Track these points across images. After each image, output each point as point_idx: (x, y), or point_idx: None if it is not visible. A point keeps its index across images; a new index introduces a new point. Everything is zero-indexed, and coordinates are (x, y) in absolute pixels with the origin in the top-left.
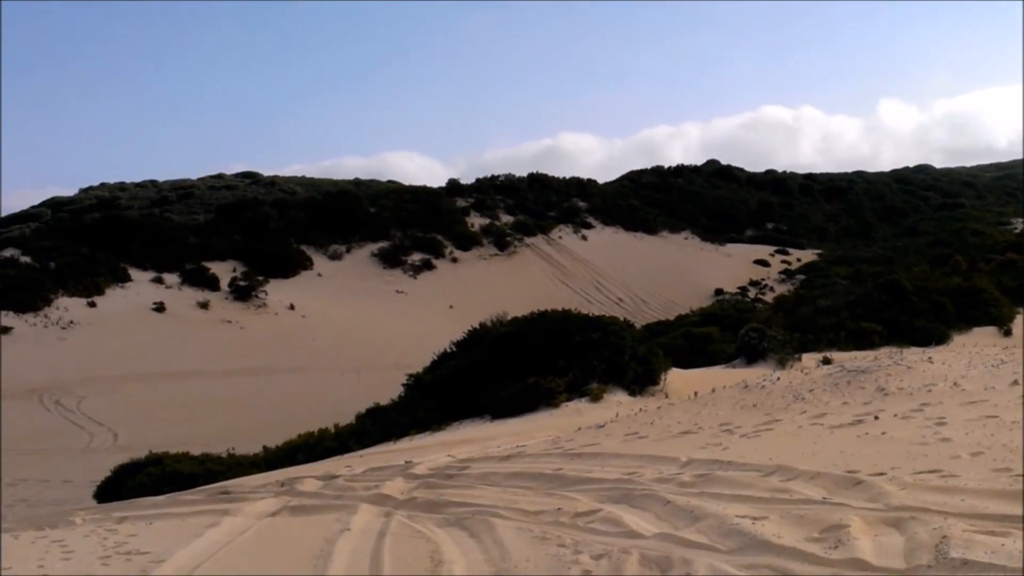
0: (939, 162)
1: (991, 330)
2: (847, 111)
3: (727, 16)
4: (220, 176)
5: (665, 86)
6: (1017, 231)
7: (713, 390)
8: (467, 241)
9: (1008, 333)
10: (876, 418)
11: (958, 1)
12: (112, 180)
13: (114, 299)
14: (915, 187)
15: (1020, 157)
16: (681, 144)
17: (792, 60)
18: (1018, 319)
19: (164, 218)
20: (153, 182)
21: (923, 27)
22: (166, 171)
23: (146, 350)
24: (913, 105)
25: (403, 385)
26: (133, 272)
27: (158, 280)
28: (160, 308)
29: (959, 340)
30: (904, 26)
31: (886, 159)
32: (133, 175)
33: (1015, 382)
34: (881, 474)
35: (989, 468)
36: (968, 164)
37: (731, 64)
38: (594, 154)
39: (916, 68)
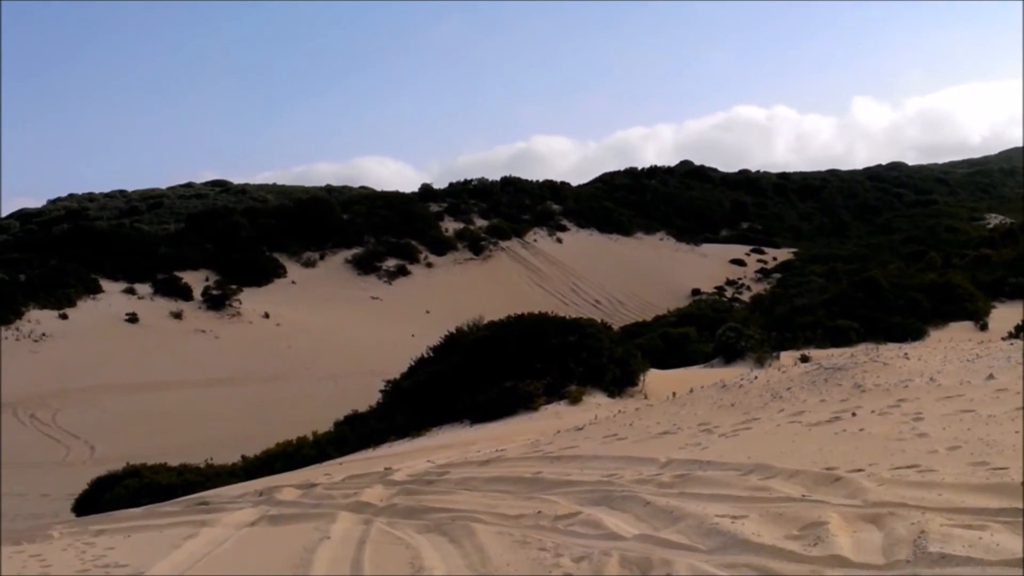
0: (912, 159)
1: (967, 325)
2: (821, 110)
3: (700, 16)
4: (190, 185)
5: (639, 87)
6: (990, 226)
7: (691, 390)
8: (442, 246)
9: (984, 327)
10: (853, 415)
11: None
12: (80, 191)
13: (86, 310)
14: (888, 184)
15: (992, 153)
16: (655, 145)
17: (765, 60)
18: (993, 313)
19: (134, 228)
20: (122, 192)
21: (896, 25)
22: (135, 181)
23: (120, 361)
24: (886, 103)
25: (381, 391)
26: (104, 283)
27: (130, 291)
28: (133, 319)
29: (935, 335)
30: (877, 24)
31: (860, 157)
32: (101, 185)
33: (990, 376)
34: (859, 470)
35: (966, 462)
36: (941, 161)
37: (704, 65)
38: (568, 156)
39: (889, 66)
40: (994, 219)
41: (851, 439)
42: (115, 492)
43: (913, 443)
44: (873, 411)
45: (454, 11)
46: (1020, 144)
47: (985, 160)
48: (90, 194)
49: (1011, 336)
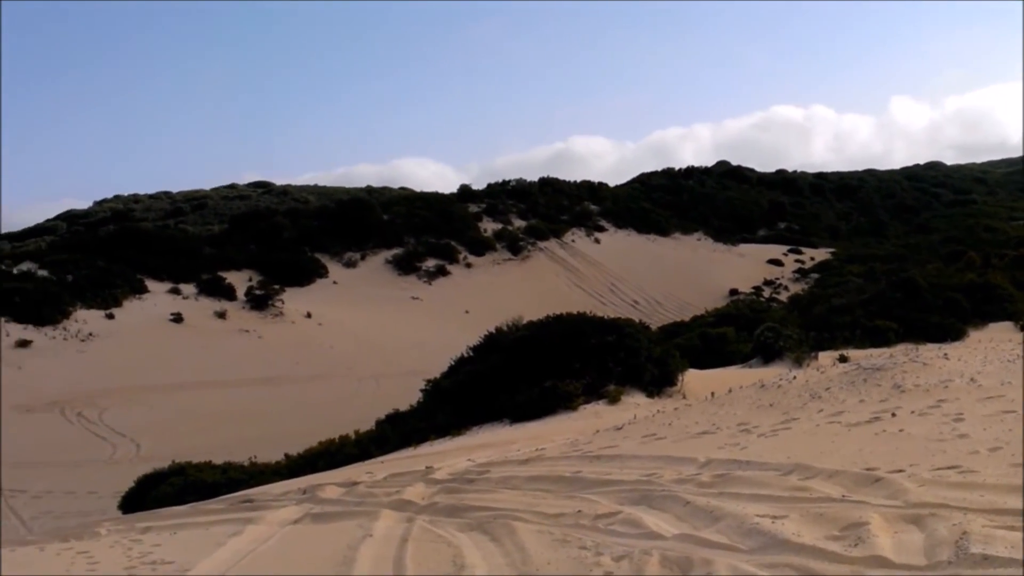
0: (952, 159)
1: (1007, 325)
2: (858, 109)
3: (736, 16)
4: (233, 186)
5: (676, 87)
6: None
7: (730, 390)
8: (480, 246)
9: None
10: (893, 415)
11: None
12: (126, 192)
13: (132, 311)
14: (926, 184)
15: None
16: (692, 145)
17: (803, 59)
18: None
19: (179, 229)
20: (167, 193)
21: (933, 24)
22: (179, 182)
23: (165, 361)
24: (925, 102)
25: (421, 391)
26: (150, 283)
27: (175, 291)
28: (178, 319)
29: (975, 336)
30: (914, 23)
31: (898, 157)
32: (146, 187)
33: None
34: (900, 471)
35: (1008, 463)
36: (980, 160)
37: (741, 64)
38: (606, 157)
39: (927, 65)
40: None
41: (891, 439)
42: (161, 490)
43: (954, 444)
44: (913, 411)
45: (492, 12)
46: None
47: None
48: (135, 195)
49: None
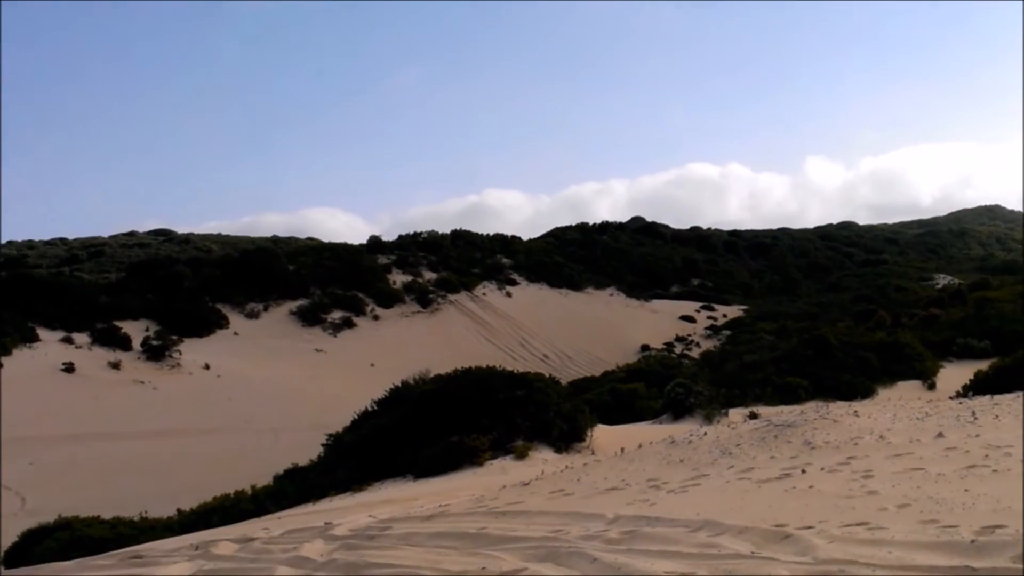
0: (865, 219)
1: (915, 384)
2: (774, 168)
3: (655, 72)
4: (132, 234)
5: (593, 142)
6: (939, 287)
7: (640, 446)
8: (389, 298)
9: (932, 387)
10: (803, 472)
11: (885, 59)
12: (20, 238)
13: (21, 360)
14: (839, 243)
15: (942, 214)
16: (608, 200)
17: (719, 117)
18: (942, 373)
19: (74, 276)
20: (63, 240)
21: (850, 85)
22: (76, 229)
23: (55, 411)
24: (840, 162)
25: (323, 445)
26: (41, 332)
27: (67, 340)
28: (69, 368)
29: (884, 394)
30: (832, 83)
31: (813, 216)
32: (42, 233)
33: (940, 434)
34: (809, 527)
35: (916, 520)
36: (893, 221)
37: (659, 121)
38: (520, 210)
39: (843, 126)
40: (943, 279)
41: (801, 496)
42: (46, 545)
43: (863, 500)
44: (823, 468)
45: (410, 62)
46: (969, 206)
47: (934, 221)
48: (30, 241)
49: (959, 395)
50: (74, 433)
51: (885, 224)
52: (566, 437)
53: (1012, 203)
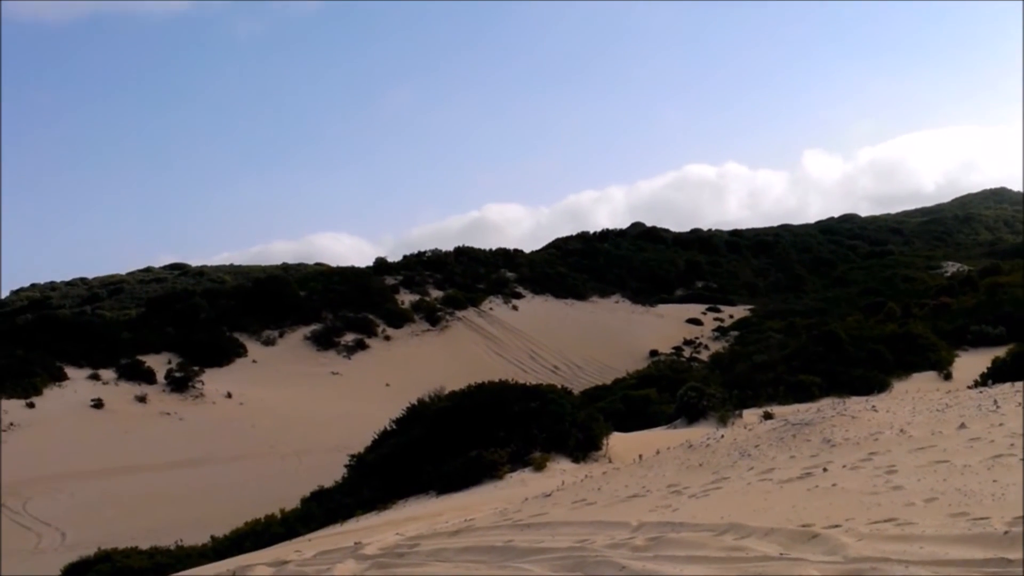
0: (866, 210)
1: (931, 375)
2: (772, 165)
3: (647, 76)
4: (148, 270)
5: (588, 150)
6: (948, 275)
7: (657, 452)
8: (398, 318)
9: (948, 377)
10: (825, 470)
11: (877, 46)
12: (42, 280)
13: (52, 398)
14: (842, 237)
15: (946, 200)
16: (607, 208)
17: (714, 117)
18: (957, 362)
19: (96, 315)
20: (83, 279)
21: (844, 75)
22: (95, 268)
23: (88, 447)
24: (837, 155)
25: (345, 466)
26: (69, 370)
27: (94, 377)
28: (98, 404)
29: (900, 387)
30: (825, 75)
31: (813, 211)
32: (62, 274)
33: (962, 425)
34: (836, 526)
35: (945, 513)
36: (896, 210)
37: (653, 124)
38: (521, 223)
39: (839, 117)
40: (951, 267)
41: (825, 495)
42: None
43: (889, 496)
44: (845, 465)
45: (402, 82)
46: (974, 190)
47: (939, 208)
48: (52, 283)
49: (978, 384)
50: (107, 467)
51: (888, 214)
52: (583, 446)
53: (1017, 185)
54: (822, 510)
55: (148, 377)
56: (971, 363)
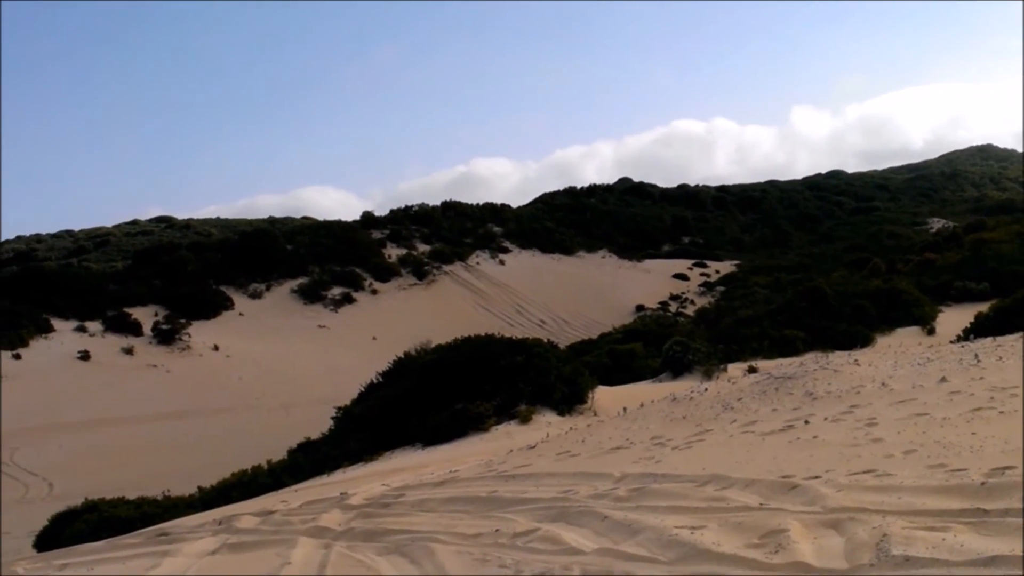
0: (855, 166)
1: (914, 330)
2: (760, 121)
3: (635, 31)
4: (135, 222)
5: (576, 105)
6: (933, 231)
7: (642, 405)
8: (385, 272)
9: (931, 332)
10: (806, 422)
11: (868, 2)
12: (27, 232)
13: (39, 350)
14: (828, 193)
15: (933, 157)
16: (595, 163)
17: (703, 72)
18: (940, 317)
19: (82, 267)
20: (69, 232)
21: (833, 31)
22: (81, 220)
23: (75, 399)
24: (826, 111)
25: (332, 418)
26: (55, 322)
27: (81, 329)
28: (85, 356)
29: (883, 342)
30: (814, 31)
31: (801, 166)
32: (48, 226)
33: (943, 379)
34: (816, 477)
35: (923, 465)
36: (884, 166)
37: (642, 80)
38: (509, 178)
39: (827, 73)
40: (937, 223)
41: (806, 447)
42: (75, 527)
43: (869, 448)
44: (826, 418)
45: (390, 36)
46: (961, 147)
47: (925, 165)
48: (37, 235)
49: (960, 339)
50: (94, 418)
51: (875, 171)
52: (568, 400)
53: (1004, 141)
54: (803, 462)
55: (135, 329)
56: (954, 318)
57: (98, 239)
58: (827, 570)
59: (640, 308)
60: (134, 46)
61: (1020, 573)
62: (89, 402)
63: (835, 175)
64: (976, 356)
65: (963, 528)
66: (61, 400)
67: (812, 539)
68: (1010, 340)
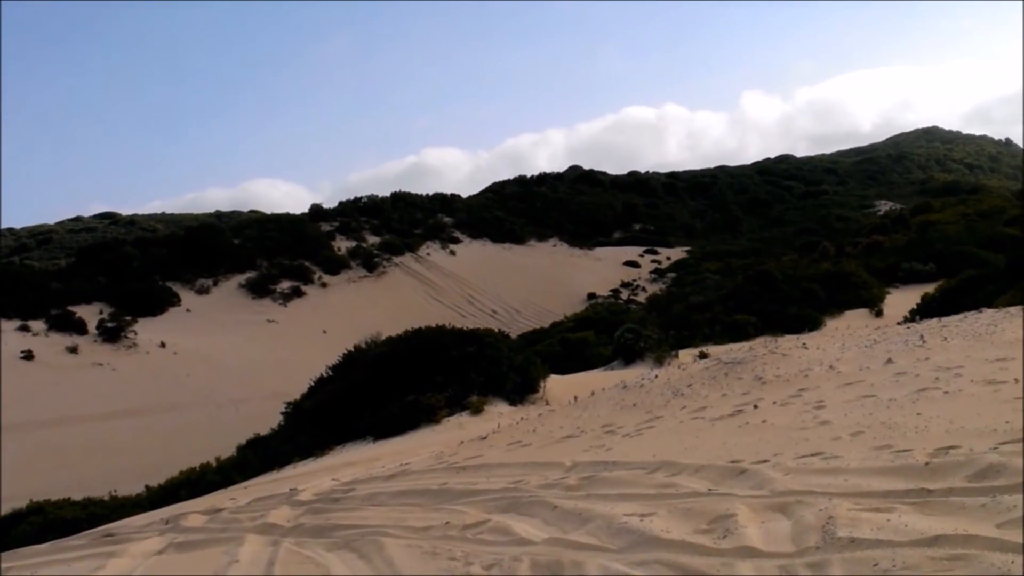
0: (805, 150)
1: (863, 312)
2: (711, 106)
3: (587, 19)
4: (78, 219)
5: (527, 94)
6: (881, 213)
7: (593, 393)
8: (335, 265)
9: (879, 314)
10: (755, 407)
11: None
12: None
13: None
14: (778, 177)
15: (880, 140)
16: (547, 151)
17: (654, 58)
18: (888, 299)
19: (24, 265)
20: (10, 230)
21: (781, 15)
22: (23, 218)
23: (18, 399)
24: (776, 95)
25: (282, 413)
26: None
27: (24, 328)
28: (28, 356)
29: (832, 324)
30: (765, 15)
31: (752, 151)
32: None
33: (889, 360)
34: (764, 461)
35: (869, 447)
36: (834, 150)
37: (592, 67)
38: (460, 168)
39: (777, 58)
40: (884, 205)
41: (755, 431)
42: (20, 530)
43: (816, 431)
44: (775, 402)
45: (339, 27)
46: (908, 129)
47: (872, 148)
48: None
49: (907, 320)
50: (39, 419)
51: (823, 155)
52: (520, 389)
53: (950, 123)
54: (752, 446)
55: (79, 328)
56: (902, 300)
57: (40, 236)
58: (774, 554)
59: (592, 296)
60: (78, 39)
61: (962, 552)
62: (34, 402)
63: (784, 159)
64: (922, 337)
65: (907, 508)
66: (5, 400)
67: (760, 523)
68: (955, 320)
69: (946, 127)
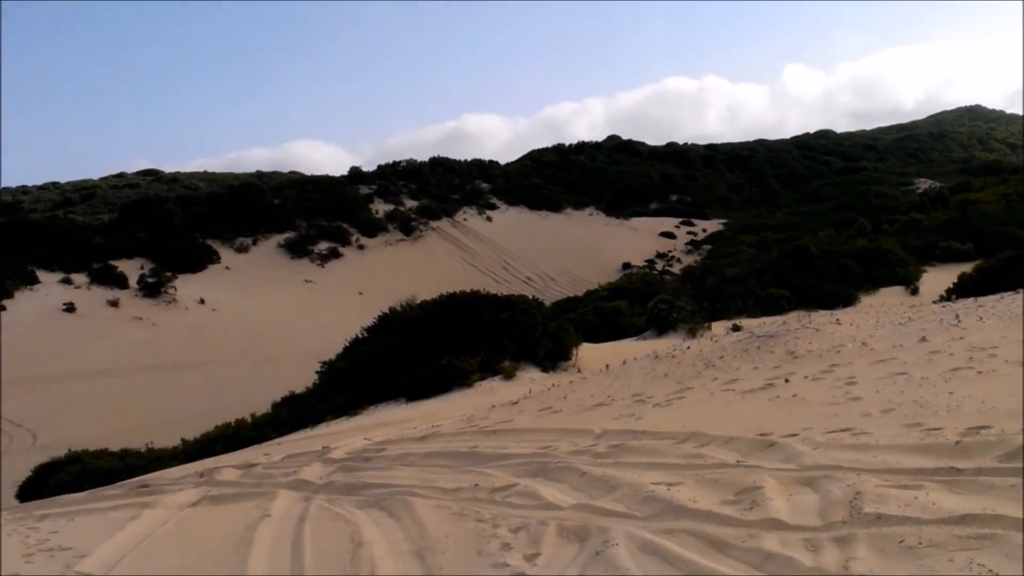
0: (846, 126)
1: (898, 289)
2: (752, 79)
3: None
4: (122, 175)
5: (569, 62)
6: (920, 191)
7: (624, 362)
8: (372, 228)
9: (915, 292)
10: (787, 381)
11: None
12: (13, 184)
13: (24, 302)
14: (817, 152)
15: (922, 117)
16: (586, 120)
17: (697, 29)
18: (924, 277)
19: (68, 219)
20: (55, 184)
21: None
22: (67, 172)
23: (59, 350)
24: (819, 69)
25: (317, 372)
26: (41, 274)
27: (67, 281)
28: (70, 308)
29: (867, 301)
30: None
31: (793, 126)
32: (35, 178)
33: (923, 339)
34: (793, 435)
35: (900, 424)
36: (875, 126)
37: (635, 37)
38: (499, 134)
39: (821, 32)
40: (923, 183)
41: (785, 405)
42: (58, 478)
43: (847, 407)
44: (806, 377)
45: None
46: (950, 107)
47: (914, 125)
48: (23, 187)
49: (942, 299)
50: (79, 370)
51: (863, 131)
52: (552, 356)
53: (994, 102)
54: (781, 420)
55: (120, 282)
56: (939, 278)
57: (84, 191)
58: (800, 527)
59: (626, 266)
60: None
61: (990, 531)
62: (74, 354)
63: (824, 135)
64: (957, 316)
65: (936, 487)
66: (46, 352)
67: (787, 496)
68: (991, 300)
69: (989, 106)
